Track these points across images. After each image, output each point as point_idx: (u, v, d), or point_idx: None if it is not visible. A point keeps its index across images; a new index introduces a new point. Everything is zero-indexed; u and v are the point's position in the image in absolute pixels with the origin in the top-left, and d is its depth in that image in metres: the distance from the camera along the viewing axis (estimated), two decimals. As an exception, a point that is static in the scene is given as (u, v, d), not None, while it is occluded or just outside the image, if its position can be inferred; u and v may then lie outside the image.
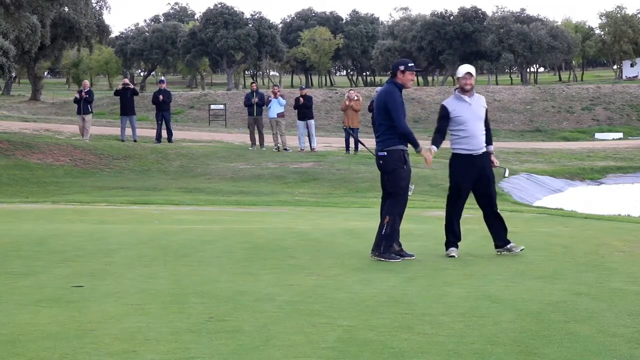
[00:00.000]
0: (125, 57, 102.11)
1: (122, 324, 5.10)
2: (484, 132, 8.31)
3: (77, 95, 25.64)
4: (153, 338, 4.78)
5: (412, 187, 8.40)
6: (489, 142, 8.36)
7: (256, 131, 25.63)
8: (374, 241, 8.01)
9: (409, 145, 8.08)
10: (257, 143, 25.74)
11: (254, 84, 27.09)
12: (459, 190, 8.33)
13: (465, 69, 8.24)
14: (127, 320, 5.20)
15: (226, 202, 16.16)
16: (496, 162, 8.47)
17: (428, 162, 8.15)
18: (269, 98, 25.17)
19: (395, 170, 7.95)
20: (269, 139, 26.47)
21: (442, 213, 13.90)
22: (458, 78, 8.33)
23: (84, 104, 25.45)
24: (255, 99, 24.97)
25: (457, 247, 8.26)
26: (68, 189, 18.94)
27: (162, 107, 25.90)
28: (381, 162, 8.01)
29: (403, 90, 8.10)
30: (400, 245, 8.05)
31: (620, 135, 46.22)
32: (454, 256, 8.10)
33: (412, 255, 7.98)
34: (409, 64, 8.10)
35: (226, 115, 46.78)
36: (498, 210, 8.46)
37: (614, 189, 24.29)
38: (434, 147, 8.22)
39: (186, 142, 28.01)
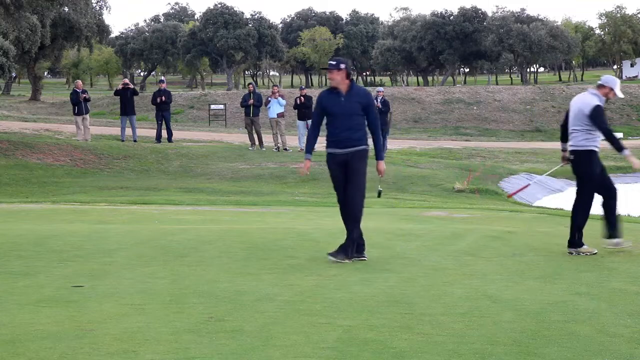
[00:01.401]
0: (125, 57, 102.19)
1: (121, 324, 5.09)
2: None
3: (81, 98, 25.46)
4: (153, 338, 4.77)
5: (380, 189, 8.58)
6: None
7: (254, 131, 25.65)
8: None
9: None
10: (257, 143, 25.75)
11: (251, 85, 27.08)
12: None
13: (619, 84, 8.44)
14: (127, 320, 5.20)
15: (226, 202, 16.15)
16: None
17: (301, 172, 7.84)
18: (269, 98, 25.18)
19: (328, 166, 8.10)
20: (268, 139, 26.46)
21: (442, 213, 13.95)
22: (611, 89, 8.34)
23: (84, 104, 25.43)
24: (251, 100, 25.01)
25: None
26: (68, 189, 18.93)
27: (162, 107, 25.92)
28: None
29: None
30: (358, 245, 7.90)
31: (620, 135, 46.17)
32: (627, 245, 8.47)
33: (351, 259, 7.82)
34: (326, 66, 8.11)
35: (226, 115, 46.81)
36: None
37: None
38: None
39: (186, 142, 28.01)
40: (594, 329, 5.11)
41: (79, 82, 27.42)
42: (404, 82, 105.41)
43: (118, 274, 6.91)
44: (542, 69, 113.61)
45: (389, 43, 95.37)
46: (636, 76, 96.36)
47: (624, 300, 6.02)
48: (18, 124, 32.64)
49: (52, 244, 8.57)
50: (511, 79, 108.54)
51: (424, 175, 21.37)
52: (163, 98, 25.82)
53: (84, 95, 25.43)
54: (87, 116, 25.83)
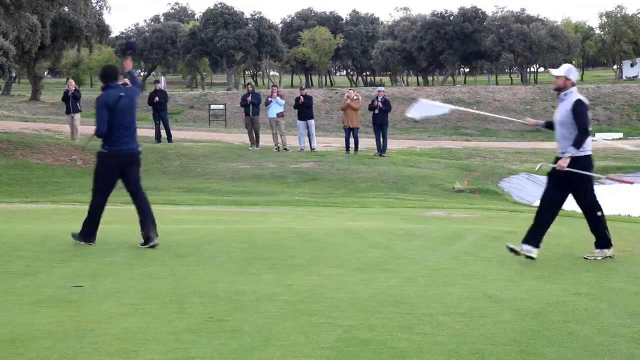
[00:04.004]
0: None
1: (122, 324, 5.10)
2: (568, 137, 7.85)
3: (69, 95, 25.49)
4: (153, 338, 4.77)
5: None
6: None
7: (253, 130, 25.70)
8: (151, 228, 8.44)
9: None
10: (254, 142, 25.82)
11: (249, 86, 27.08)
12: None
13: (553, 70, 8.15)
14: (127, 320, 5.20)
15: (226, 202, 16.15)
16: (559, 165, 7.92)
17: None
18: (269, 99, 25.19)
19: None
20: (268, 139, 26.45)
21: (442, 213, 13.96)
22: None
23: (72, 103, 25.38)
24: (249, 98, 25.06)
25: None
26: (68, 189, 18.92)
27: (158, 107, 26.01)
28: (140, 156, 8.86)
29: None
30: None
31: (620, 135, 46.27)
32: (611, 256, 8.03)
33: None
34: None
35: (226, 115, 46.80)
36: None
37: (614, 189, 24.26)
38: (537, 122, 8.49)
39: (186, 142, 28.01)
40: (594, 329, 5.11)
41: (71, 82, 27.59)
42: (404, 82, 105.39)
43: (118, 274, 6.91)
44: (542, 69, 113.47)
45: (389, 43, 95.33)
46: (636, 76, 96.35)
47: (623, 300, 6.02)
48: (18, 124, 32.64)
49: (52, 244, 8.58)
50: (511, 79, 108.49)
51: (424, 175, 21.36)
52: (157, 99, 25.90)
53: (73, 92, 25.37)
54: (77, 115, 25.67)
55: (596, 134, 46.96)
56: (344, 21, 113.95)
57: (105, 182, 8.70)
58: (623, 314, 5.53)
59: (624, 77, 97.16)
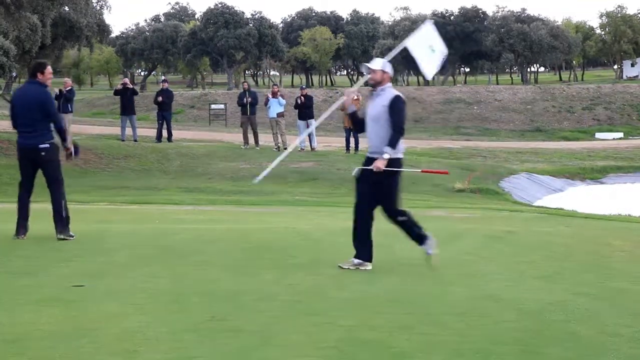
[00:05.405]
0: (125, 57, 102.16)
1: (122, 324, 5.09)
2: (382, 135, 7.25)
3: (57, 92, 24.11)
4: (153, 338, 4.77)
5: None
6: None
7: (250, 130, 25.70)
8: (57, 226, 8.98)
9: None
10: (252, 142, 25.81)
11: (245, 83, 27.06)
12: None
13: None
14: (128, 320, 5.20)
15: (226, 202, 16.15)
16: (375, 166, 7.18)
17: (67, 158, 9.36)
18: (269, 98, 25.19)
19: (57, 160, 9.24)
20: (267, 138, 26.43)
21: (442, 213, 13.96)
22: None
23: (63, 103, 24.02)
24: (248, 99, 25.04)
25: None
26: (68, 189, 18.81)
27: (163, 107, 25.90)
28: (43, 153, 9.17)
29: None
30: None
31: (621, 135, 46.20)
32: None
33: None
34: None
35: (226, 115, 46.79)
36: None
37: (614, 189, 24.28)
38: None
39: (186, 141, 28.00)
40: (594, 328, 5.11)
41: (67, 80, 26.49)
42: (404, 82, 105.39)
43: (118, 274, 6.91)
44: (542, 69, 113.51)
45: (390, 43, 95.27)
46: (636, 76, 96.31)
47: (624, 300, 6.02)
48: (18, 124, 32.54)
49: (52, 244, 8.58)
50: (512, 78, 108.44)
51: (424, 175, 21.36)
52: (160, 98, 25.77)
53: (65, 93, 24.42)
54: (69, 116, 24.10)
55: (596, 134, 46.96)
56: (344, 21, 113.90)
57: (21, 173, 9.38)
58: (624, 313, 5.53)
59: (624, 77, 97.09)
